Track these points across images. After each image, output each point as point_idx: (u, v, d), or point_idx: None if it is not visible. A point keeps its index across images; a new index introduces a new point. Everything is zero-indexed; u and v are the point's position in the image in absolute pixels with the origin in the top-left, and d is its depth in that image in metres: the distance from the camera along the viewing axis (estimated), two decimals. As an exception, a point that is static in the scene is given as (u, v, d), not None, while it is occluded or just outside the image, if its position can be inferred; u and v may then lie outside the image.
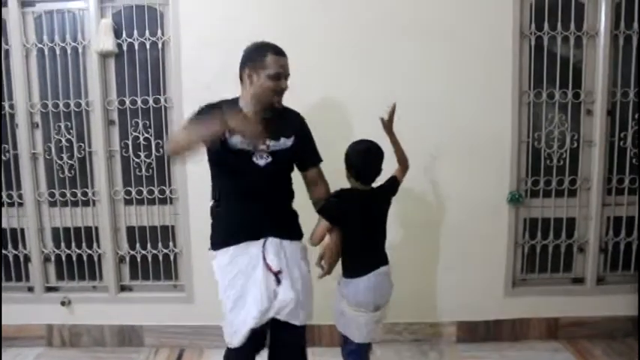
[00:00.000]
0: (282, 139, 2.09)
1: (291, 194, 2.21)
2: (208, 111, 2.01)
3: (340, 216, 2.15)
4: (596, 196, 2.94)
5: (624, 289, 3.01)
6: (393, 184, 2.28)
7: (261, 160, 2.06)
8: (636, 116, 2.91)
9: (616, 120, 2.91)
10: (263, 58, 2.02)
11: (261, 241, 2.08)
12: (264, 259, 2.06)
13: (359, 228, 2.16)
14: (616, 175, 2.96)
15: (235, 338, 2.06)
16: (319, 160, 2.24)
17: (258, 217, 2.09)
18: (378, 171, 2.17)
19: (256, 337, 2.12)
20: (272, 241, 2.09)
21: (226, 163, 2.09)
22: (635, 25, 2.83)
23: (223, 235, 2.14)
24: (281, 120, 2.12)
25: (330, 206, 2.16)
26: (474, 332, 3.01)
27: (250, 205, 2.09)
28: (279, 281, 2.06)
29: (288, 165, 2.18)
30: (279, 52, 2.05)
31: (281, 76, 2.03)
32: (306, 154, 2.21)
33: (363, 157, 2.15)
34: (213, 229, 2.20)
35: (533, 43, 2.84)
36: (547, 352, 2.92)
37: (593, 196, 2.95)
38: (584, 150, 2.94)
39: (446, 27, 2.78)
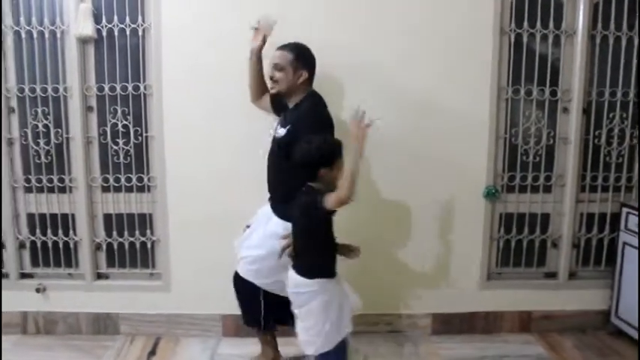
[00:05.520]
0: (280, 130, 2.38)
1: (295, 180, 2.16)
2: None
3: None
4: (570, 192, 2.99)
5: (595, 284, 3.09)
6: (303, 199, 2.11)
7: (271, 143, 2.44)
8: (610, 115, 2.96)
9: (591, 118, 2.96)
10: None
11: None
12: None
13: None
14: (590, 173, 3.01)
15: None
16: None
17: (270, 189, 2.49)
18: (305, 162, 2.09)
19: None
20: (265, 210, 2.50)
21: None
22: (612, 25, 2.87)
23: None
24: (292, 111, 2.41)
25: None
26: (449, 324, 3.06)
27: (267, 177, 2.49)
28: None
29: (282, 152, 2.34)
30: (278, 48, 2.39)
31: (271, 66, 2.39)
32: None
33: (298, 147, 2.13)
34: None
35: (512, 40, 2.87)
36: (519, 344, 2.97)
37: (567, 192, 3.00)
38: (560, 147, 2.99)
39: (427, 22, 2.80)
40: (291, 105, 2.44)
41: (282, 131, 2.37)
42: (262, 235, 2.43)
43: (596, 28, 2.88)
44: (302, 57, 2.39)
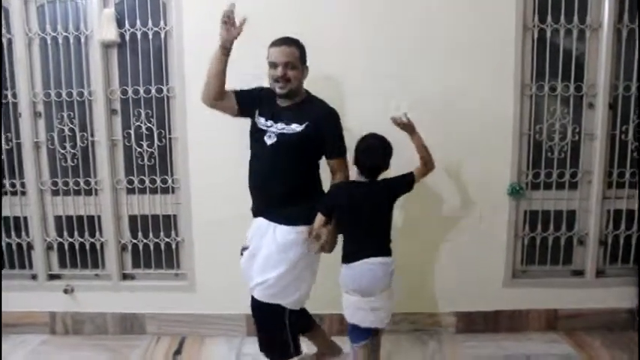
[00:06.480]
0: (293, 125, 2.25)
1: (300, 178, 2.31)
2: None
3: (329, 209, 2.27)
4: (597, 189, 2.94)
5: (623, 281, 3.03)
6: (404, 179, 2.33)
7: (269, 140, 2.27)
8: (638, 109, 2.90)
9: (617, 113, 2.91)
10: (268, 51, 2.26)
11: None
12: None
13: (348, 219, 2.27)
14: (617, 169, 2.96)
15: None
16: (338, 153, 2.32)
17: (260, 195, 2.34)
18: (378, 167, 2.27)
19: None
20: (260, 224, 2.35)
21: (252, 138, 2.37)
22: (638, 18, 2.82)
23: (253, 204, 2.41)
24: (300, 108, 2.29)
25: (322, 200, 2.31)
26: (473, 323, 3.04)
27: (257, 181, 2.33)
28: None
29: (295, 148, 2.26)
30: (275, 43, 2.24)
31: (276, 65, 2.22)
32: (323, 146, 2.31)
33: (363, 154, 2.25)
34: None
35: (536, 35, 2.83)
36: (545, 343, 2.94)
37: (593, 189, 2.95)
38: (586, 143, 2.94)
39: (449, 18, 2.78)
40: (286, 103, 2.29)
41: (295, 127, 2.23)
42: (275, 252, 2.25)
43: (621, 21, 2.83)
44: (304, 53, 2.29)
